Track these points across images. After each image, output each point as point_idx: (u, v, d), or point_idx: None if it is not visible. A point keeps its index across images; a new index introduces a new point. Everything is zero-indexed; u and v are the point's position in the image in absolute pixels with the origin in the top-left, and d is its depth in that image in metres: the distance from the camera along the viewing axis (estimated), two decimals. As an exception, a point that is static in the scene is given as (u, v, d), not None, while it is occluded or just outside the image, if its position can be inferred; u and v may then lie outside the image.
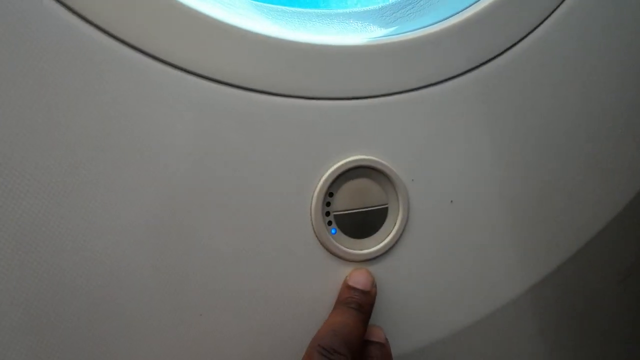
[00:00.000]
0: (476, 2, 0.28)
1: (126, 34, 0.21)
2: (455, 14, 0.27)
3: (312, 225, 0.25)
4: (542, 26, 0.27)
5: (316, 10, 0.29)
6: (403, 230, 0.26)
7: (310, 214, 0.25)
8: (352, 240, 0.26)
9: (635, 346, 0.35)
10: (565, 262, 0.30)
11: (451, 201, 0.27)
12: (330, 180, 0.25)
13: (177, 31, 0.21)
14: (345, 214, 0.26)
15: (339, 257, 0.25)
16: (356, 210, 0.26)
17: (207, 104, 0.23)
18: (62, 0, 0.20)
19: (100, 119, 0.21)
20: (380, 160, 0.26)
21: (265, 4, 0.27)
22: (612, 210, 0.31)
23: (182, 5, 0.21)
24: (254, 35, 0.23)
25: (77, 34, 0.20)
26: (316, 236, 0.25)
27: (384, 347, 0.24)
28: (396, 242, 0.26)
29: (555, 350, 0.32)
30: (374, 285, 0.25)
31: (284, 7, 0.28)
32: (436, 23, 0.27)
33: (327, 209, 0.25)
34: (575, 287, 0.31)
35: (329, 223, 0.25)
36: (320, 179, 0.25)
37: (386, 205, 0.26)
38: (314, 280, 0.25)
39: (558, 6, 0.28)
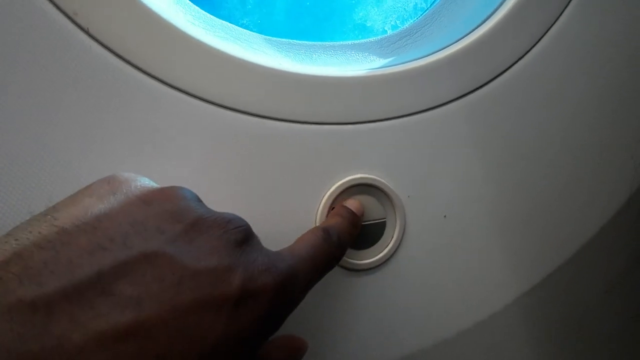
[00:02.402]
0: (466, 35, 0.31)
1: (160, 72, 0.24)
2: (448, 45, 0.30)
3: (317, 237, 0.27)
4: (525, 57, 0.30)
5: (321, 43, 0.32)
6: (400, 242, 0.28)
7: (316, 227, 0.27)
8: (353, 251, 0.28)
9: (622, 355, 0.36)
10: (553, 272, 0.32)
11: (444, 216, 0.29)
12: (334, 196, 0.27)
13: (203, 68, 0.24)
14: (347, 227, 0.28)
15: (341, 267, 0.27)
16: (357, 224, 0.28)
17: (224, 129, 0.25)
18: (113, 49, 0.23)
19: (137, 146, 0.24)
20: (379, 179, 0.28)
21: (276, 38, 0.30)
22: (597, 223, 0.33)
23: (206, 45, 0.24)
24: (266, 69, 0.26)
25: (116, 71, 0.23)
26: (321, 247, 0.27)
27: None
28: (394, 253, 0.28)
29: (545, 357, 0.33)
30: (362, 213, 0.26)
31: (292, 41, 0.31)
32: (429, 55, 0.30)
33: (331, 222, 0.28)
34: (564, 296, 0.33)
35: (333, 235, 0.28)
36: (324, 196, 0.27)
37: (384, 220, 0.28)
38: (317, 288, 0.27)
39: (540, 39, 0.30)
